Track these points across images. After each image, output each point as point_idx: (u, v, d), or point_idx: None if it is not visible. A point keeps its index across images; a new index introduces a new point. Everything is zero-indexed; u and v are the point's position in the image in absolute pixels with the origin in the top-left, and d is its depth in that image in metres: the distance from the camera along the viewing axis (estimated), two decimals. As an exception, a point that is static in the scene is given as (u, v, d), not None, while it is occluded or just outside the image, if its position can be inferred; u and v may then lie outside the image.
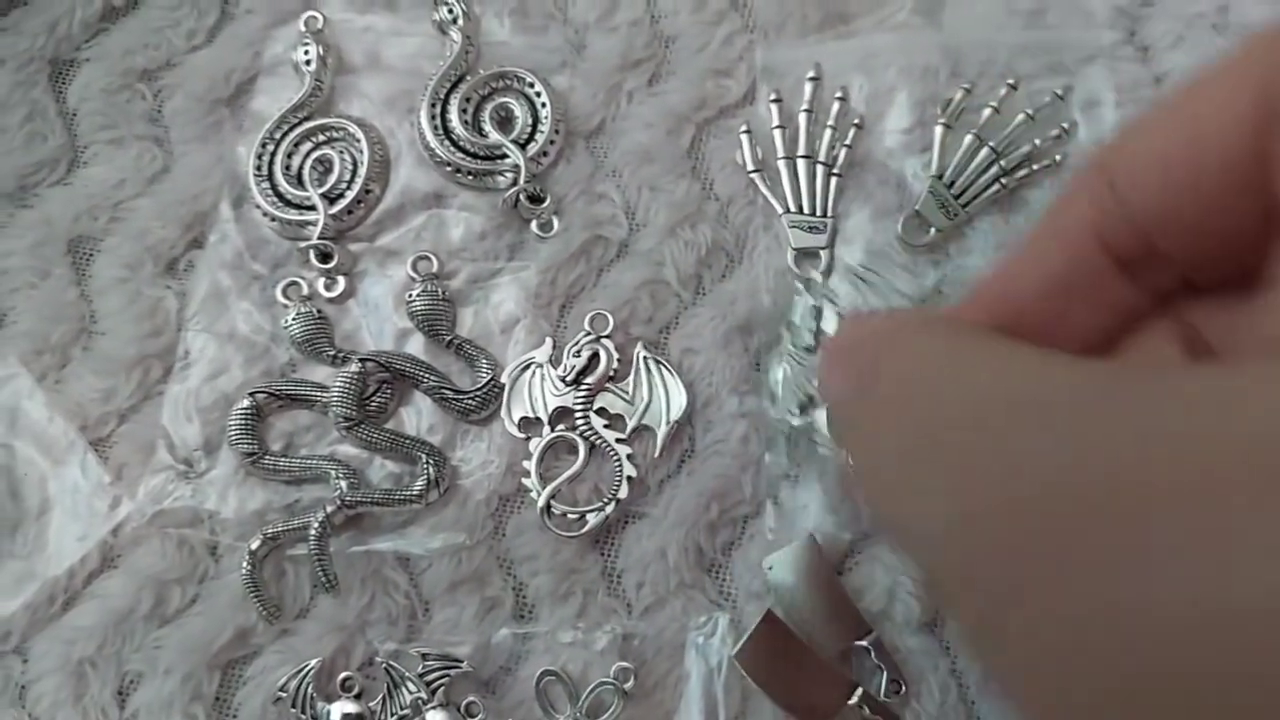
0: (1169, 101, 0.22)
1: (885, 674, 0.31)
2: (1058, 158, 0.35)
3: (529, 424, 0.34)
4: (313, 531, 0.33)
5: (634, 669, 0.32)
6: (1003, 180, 0.35)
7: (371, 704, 0.32)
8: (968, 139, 0.35)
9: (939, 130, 0.35)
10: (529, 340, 0.35)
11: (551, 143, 0.37)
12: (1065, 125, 0.35)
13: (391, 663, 0.32)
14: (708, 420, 0.34)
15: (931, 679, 0.31)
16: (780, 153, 0.36)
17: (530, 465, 0.34)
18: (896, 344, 0.22)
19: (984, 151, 0.35)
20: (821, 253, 0.36)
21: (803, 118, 0.36)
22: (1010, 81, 0.36)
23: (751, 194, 0.36)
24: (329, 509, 0.33)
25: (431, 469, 0.34)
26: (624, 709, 0.31)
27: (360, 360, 0.35)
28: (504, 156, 0.37)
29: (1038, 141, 0.35)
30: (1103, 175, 0.22)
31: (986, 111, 0.36)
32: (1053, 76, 0.37)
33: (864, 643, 0.31)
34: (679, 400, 0.34)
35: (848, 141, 0.36)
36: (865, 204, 0.36)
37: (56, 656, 0.33)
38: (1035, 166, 0.35)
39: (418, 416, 0.35)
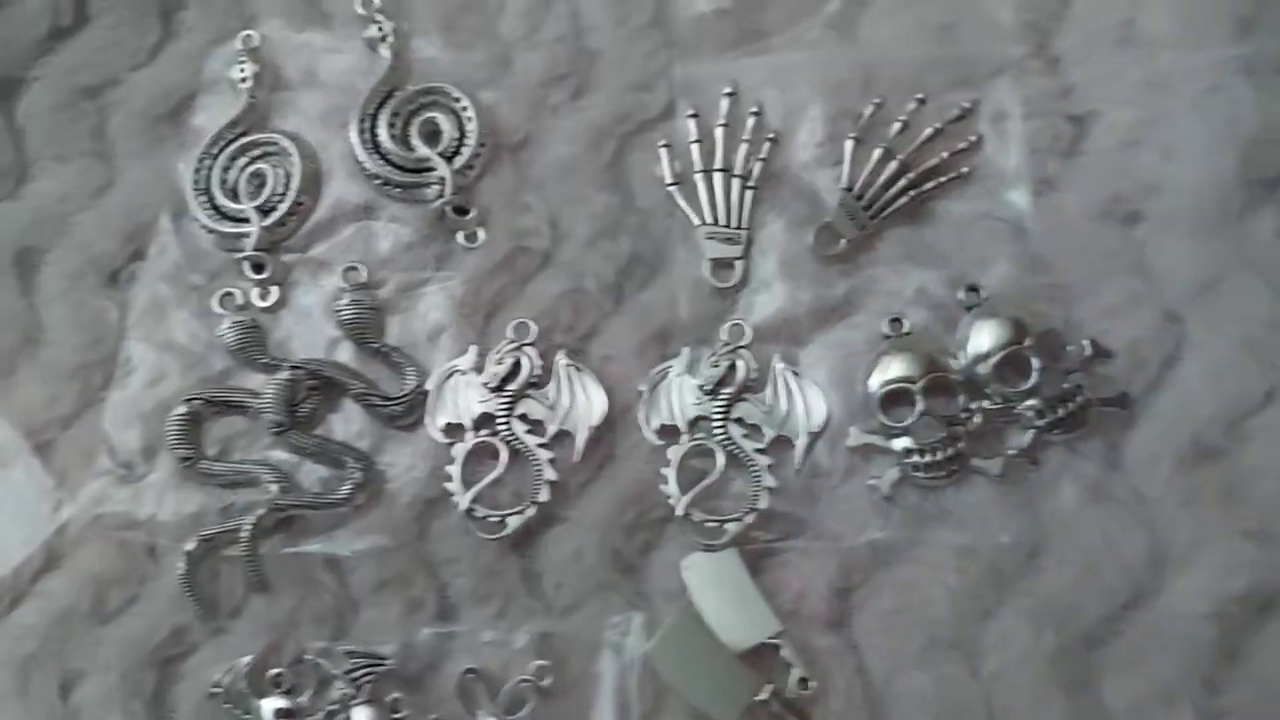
0: None
1: (794, 671, 0.32)
2: (964, 170, 0.36)
3: (453, 430, 0.36)
4: (244, 534, 0.34)
5: (551, 667, 0.33)
6: (911, 192, 0.36)
7: (301, 700, 0.34)
8: (877, 152, 0.36)
9: (849, 144, 0.37)
10: (454, 348, 0.37)
11: (477, 156, 0.38)
12: (972, 138, 0.37)
13: (320, 660, 0.34)
14: (626, 426, 0.35)
15: (839, 676, 0.32)
16: (697, 166, 0.37)
17: (454, 470, 0.35)
18: None
19: (893, 164, 0.36)
20: (736, 263, 0.37)
21: (719, 132, 0.38)
22: (920, 96, 0.37)
23: (670, 206, 0.38)
24: (260, 512, 0.35)
25: (358, 473, 0.35)
26: (541, 705, 0.33)
27: (290, 368, 0.36)
28: (431, 170, 0.38)
29: (945, 154, 0.36)
30: None
31: (896, 125, 0.37)
32: (963, 90, 0.38)
33: (775, 641, 0.33)
34: (599, 406, 0.35)
35: (762, 155, 0.37)
36: (780, 215, 0.37)
37: (3, 653, 0.34)
38: (943, 179, 0.36)
39: (346, 422, 0.37)
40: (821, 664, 0.32)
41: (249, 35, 0.41)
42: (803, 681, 0.32)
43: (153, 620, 0.34)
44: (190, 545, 0.34)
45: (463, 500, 0.34)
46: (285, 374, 0.36)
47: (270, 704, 0.33)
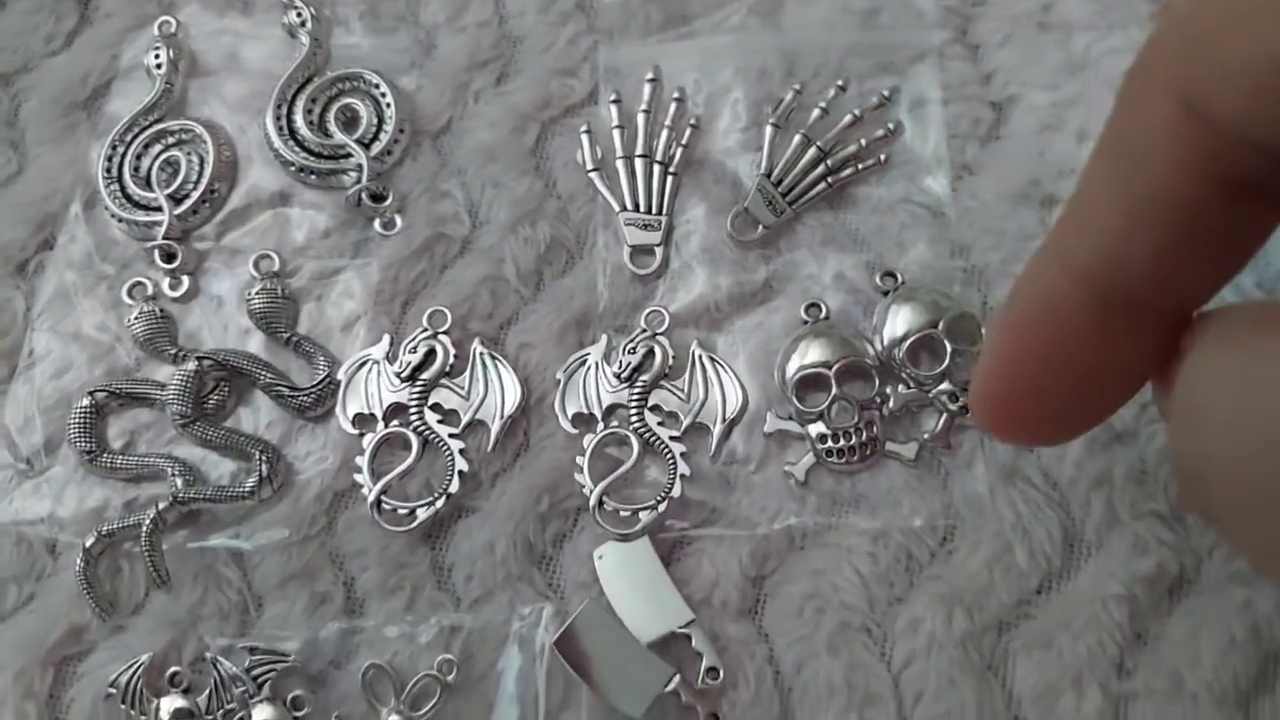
0: None
1: (703, 661, 0.31)
2: (882, 157, 0.36)
3: (364, 420, 0.35)
4: (144, 528, 0.33)
5: (458, 661, 0.32)
6: (829, 179, 0.36)
7: (200, 699, 0.33)
8: (796, 139, 0.36)
9: (769, 130, 0.36)
10: (369, 337, 0.36)
11: (396, 142, 0.38)
12: (891, 125, 0.36)
13: (219, 658, 0.32)
14: (542, 415, 0.35)
15: (748, 666, 0.31)
16: (619, 152, 0.37)
17: (363, 461, 0.34)
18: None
19: (812, 151, 0.36)
20: (656, 249, 0.36)
21: (641, 118, 0.37)
22: (839, 82, 0.37)
23: (591, 192, 0.37)
24: (161, 506, 0.34)
25: (265, 466, 0.34)
26: (448, 700, 0.32)
27: (197, 358, 0.35)
28: (349, 156, 0.38)
29: (864, 141, 0.36)
30: (1171, 107, 0.18)
31: (816, 112, 0.37)
32: (884, 76, 0.38)
33: (685, 630, 0.32)
34: (513, 395, 0.35)
35: (684, 141, 0.37)
36: (702, 201, 0.37)
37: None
38: (860, 166, 0.36)
39: (256, 414, 0.36)
40: (732, 653, 0.31)
41: (166, 21, 0.40)
42: (711, 671, 0.31)
43: (48, 619, 0.33)
44: (89, 541, 0.33)
45: (371, 492, 0.33)
46: (191, 365, 0.35)
47: (168, 704, 0.32)
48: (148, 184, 0.38)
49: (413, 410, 0.35)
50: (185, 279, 0.37)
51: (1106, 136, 0.21)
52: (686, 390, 0.35)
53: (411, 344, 0.35)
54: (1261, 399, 0.18)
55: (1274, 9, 0.17)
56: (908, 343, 0.33)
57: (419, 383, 0.35)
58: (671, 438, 0.34)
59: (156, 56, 0.39)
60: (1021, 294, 0.23)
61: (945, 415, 0.33)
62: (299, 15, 0.39)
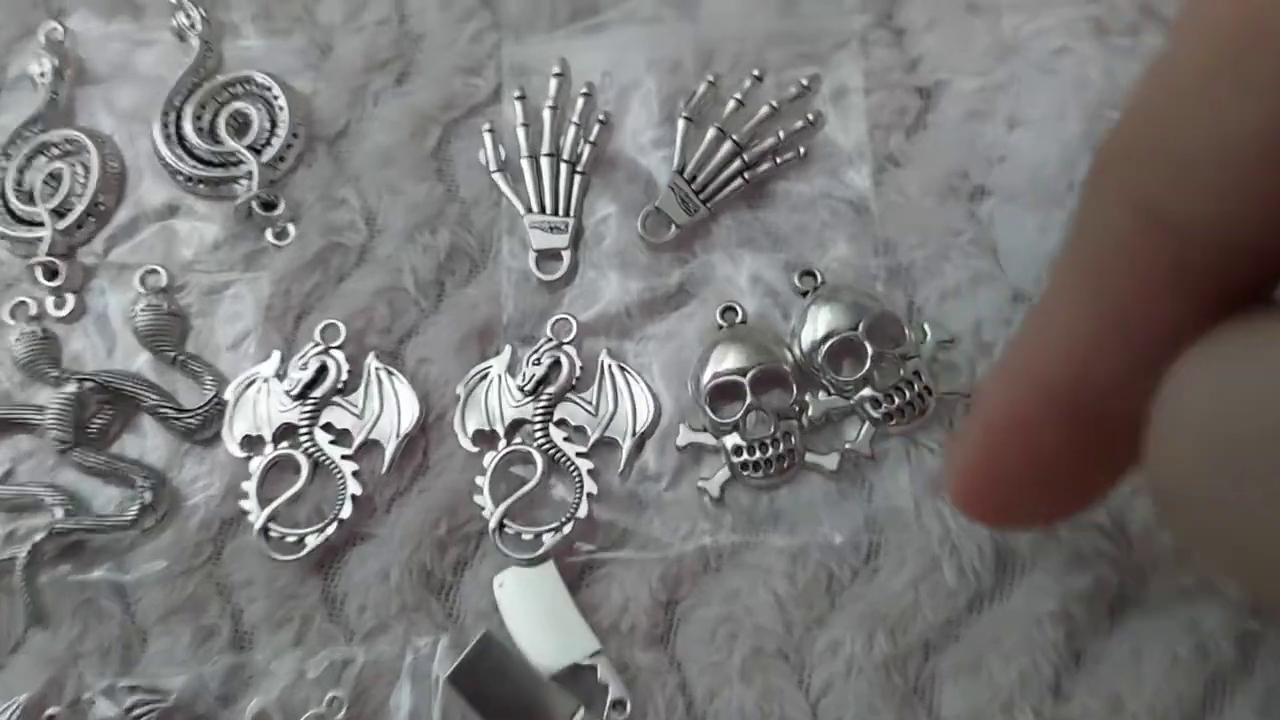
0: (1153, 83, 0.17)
1: (610, 693, 0.29)
2: (802, 150, 0.34)
3: (253, 442, 0.33)
4: (18, 562, 0.31)
5: (348, 698, 0.30)
6: (745, 174, 0.34)
7: (77, 744, 0.30)
8: (711, 133, 0.34)
9: (681, 124, 0.34)
10: (260, 354, 0.34)
11: (289, 147, 0.36)
12: (811, 116, 0.34)
13: (96, 698, 0.30)
14: (441, 433, 0.33)
15: (659, 696, 0.29)
16: (524, 151, 0.35)
17: (249, 486, 0.32)
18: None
19: (727, 145, 0.34)
20: (564, 253, 0.34)
21: (547, 114, 0.35)
22: (756, 73, 0.35)
23: (496, 195, 0.35)
24: (37, 538, 0.31)
25: (148, 493, 0.32)
26: (339, 739, 0.30)
27: (78, 380, 0.33)
28: (240, 164, 0.36)
29: (782, 134, 0.34)
30: (1132, 217, 0.17)
31: (731, 104, 0.34)
32: (804, 65, 0.35)
33: (590, 660, 0.30)
34: (410, 412, 0.33)
35: (592, 138, 0.35)
36: (612, 202, 0.35)
37: None
38: (779, 160, 0.34)
39: (142, 438, 0.34)
40: (642, 682, 0.29)
41: (53, 28, 0.38)
42: (618, 704, 0.29)
43: (-79, 661, 0.31)
44: (-39, 577, 0.31)
45: (258, 519, 0.31)
46: (71, 387, 0.33)
47: (45, 749, 0.30)
48: (32, 199, 0.36)
49: (303, 431, 0.32)
50: (70, 297, 0.35)
51: (1069, 248, 0.20)
52: (595, 403, 0.32)
53: (302, 360, 0.33)
54: (1241, 397, 0.16)
55: (1229, 88, 0.15)
56: (827, 346, 0.31)
57: (310, 401, 0.33)
58: (578, 454, 0.32)
59: (41, 65, 0.37)
60: (990, 401, 0.22)
61: (868, 423, 0.31)
62: (188, 18, 0.37)
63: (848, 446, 0.31)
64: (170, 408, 0.33)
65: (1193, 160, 0.16)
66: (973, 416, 0.23)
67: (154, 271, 0.35)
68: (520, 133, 0.35)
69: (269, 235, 0.35)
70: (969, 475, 0.23)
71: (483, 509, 0.31)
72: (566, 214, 0.35)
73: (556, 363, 0.33)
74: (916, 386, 0.31)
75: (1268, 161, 0.16)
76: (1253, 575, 0.17)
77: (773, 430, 0.31)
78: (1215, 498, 0.16)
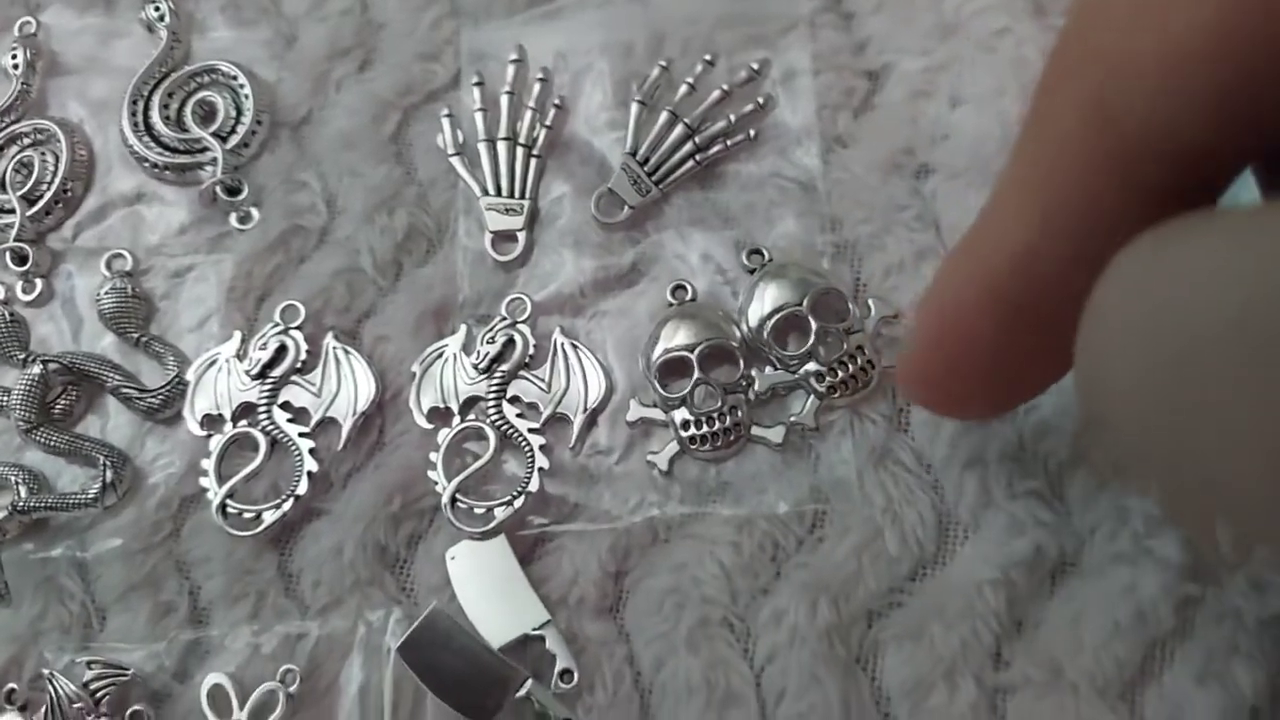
0: None
1: (558, 663, 0.30)
2: (752, 133, 0.35)
3: (213, 421, 0.33)
4: (-18, 540, 0.32)
5: (301, 671, 0.30)
6: (697, 157, 0.34)
7: (36, 716, 0.31)
8: (663, 116, 0.35)
9: (634, 108, 0.35)
10: (222, 335, 0.34)
11: (253, 134, 0.37)
12: (761, 99, 0.35)
13: (55, 674, 0.31)
14: (398, 411, 0.33)
15: (606, 667, 0.30)
16: (481, 135, 0.36)
17: (208, 464, 0.32)
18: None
19: (679, 128, 0.35)
20: (519, 234, 0.35)
21: (504, 99, 0.36)
22: (707, 57, 0.35)
23: (453, 178, 0.36)
24: (0, 516, 0.32)
25: (109, 471, 0.33)
26: (293, 711, 0.30)
27: (43, 362, 0.34)
28: (206, 151, 0.36)
29: (733, 117, 0.35)
30: (1078, 113, 0.17)
31: (683, 88, 0.35)
32: (755, 49, 0.36)
33: (539, 631, 0.30)
34: (367, 390, 0.33)
35: (548, 122, 0.36)
36: (566, 183, 0.35)
37: None
38: (729, 142, 0.34)
39: (105, 418, 0.34)
40: (591, 653, 0.30)
41: (26, 21, 0.39)
42: (565, 674, 0.29)
43: (-114, 638, 0.32)
44: (-73, 555, 0.32)
45: (216, 496, 0.32)
46: (36, 369, 0.34)
47: (4, 723, 0.31)
48: (2, 187, 0.37)
49: (261, 410, 0.33)
50: (39, 282, 0.36)
51: (1017, 150, 0.20)
52: (548, 380, 0.33)
53: (261, 340, 0.34)
54: (1171, 300, 0.16)
55: None
56: (773, 321, 0.32)
57: (269, 380, 0.33)
58: (530, 430, 0.32)
59: (14, 57, 0.38)
60: (935, 292, 0.23)
61: (812, 396, 0.31)
62: (157, 10, 0.38)
63: (793, 419, 0.31)
64: (133, 388, 0.34)
65: (1137, 60, 0.17)
66: (921, 304, 0.23)
67: (119, 255, 0.36)
68: (478, 117, 0.36)
69: (233, 219, 0.36)
70: (914, 361, 0.23)
71: (436, 484, 0.32)
72: (522, 196, 0.35)
73: (510, 341, 0.33)
74: (860, 360, 0.31)
75: (1210, 62, 0.16)
76: (1176, 485, 0.17)
77: (720, 404, 0.31)
78: (1141, 391, 0.16)
